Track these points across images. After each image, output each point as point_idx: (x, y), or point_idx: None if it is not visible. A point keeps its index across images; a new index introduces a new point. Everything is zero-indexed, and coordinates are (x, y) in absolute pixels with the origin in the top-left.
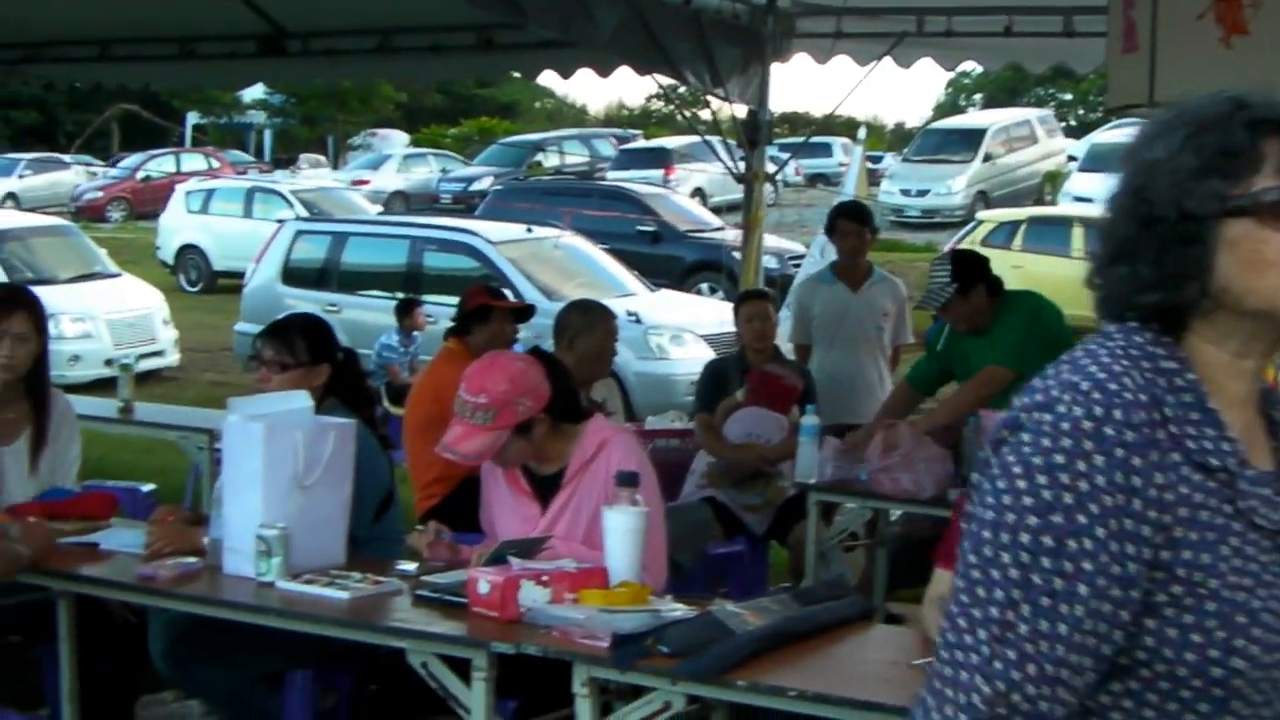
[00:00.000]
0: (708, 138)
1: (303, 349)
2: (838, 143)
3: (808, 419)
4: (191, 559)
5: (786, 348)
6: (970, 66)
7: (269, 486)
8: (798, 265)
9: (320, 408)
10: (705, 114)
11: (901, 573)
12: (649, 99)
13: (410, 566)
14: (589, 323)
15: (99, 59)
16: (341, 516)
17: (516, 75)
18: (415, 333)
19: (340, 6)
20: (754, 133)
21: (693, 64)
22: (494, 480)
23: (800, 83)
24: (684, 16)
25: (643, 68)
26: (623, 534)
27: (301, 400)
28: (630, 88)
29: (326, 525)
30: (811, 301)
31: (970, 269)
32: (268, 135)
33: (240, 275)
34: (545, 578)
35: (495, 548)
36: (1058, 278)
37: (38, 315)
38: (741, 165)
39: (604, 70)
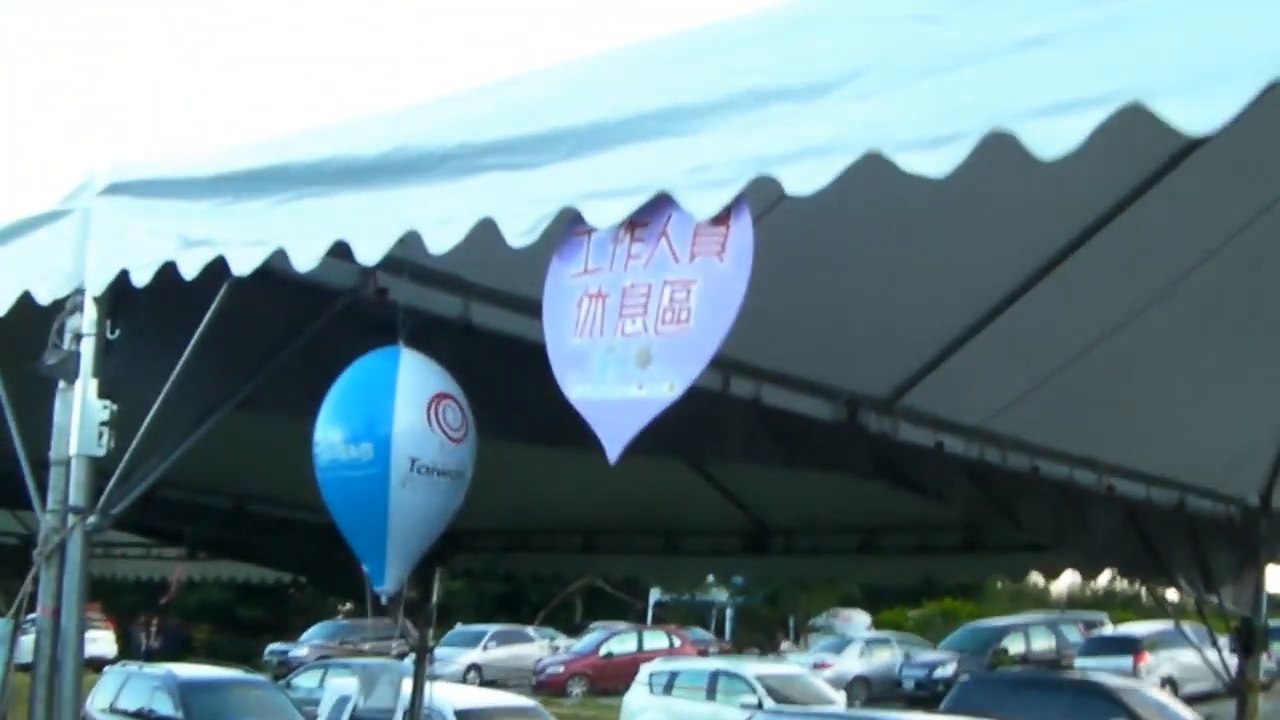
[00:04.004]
0: (1194, 641)
1: None
2: None
3: None
4: None
5: None
6: None
7: None
8: None
9: None
10: (1172, 594)
11: None
12: (1112, 579)
13: None
14: None
15: (583, 550)
16: None
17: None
18: None
19: (826, 507)
20: (1248, 639)
21: (1185, 569)
22: None
23: None
24: (1179, 520)
25: (1132, 571)
26: None
27: None
28: None
29: None
30: None
31: None
32: (729, 613)
33: None
34: None
35: None
36: None
37: None
38: (1224, 665)
39: (1090, 573)
